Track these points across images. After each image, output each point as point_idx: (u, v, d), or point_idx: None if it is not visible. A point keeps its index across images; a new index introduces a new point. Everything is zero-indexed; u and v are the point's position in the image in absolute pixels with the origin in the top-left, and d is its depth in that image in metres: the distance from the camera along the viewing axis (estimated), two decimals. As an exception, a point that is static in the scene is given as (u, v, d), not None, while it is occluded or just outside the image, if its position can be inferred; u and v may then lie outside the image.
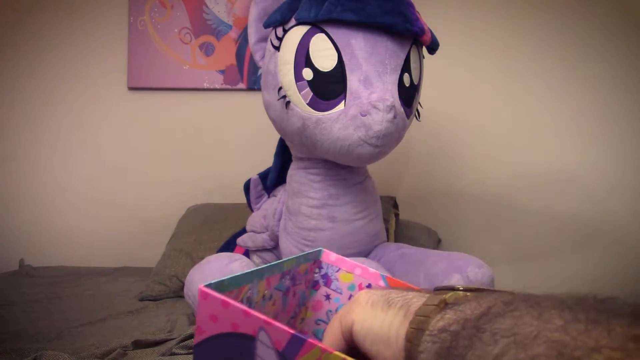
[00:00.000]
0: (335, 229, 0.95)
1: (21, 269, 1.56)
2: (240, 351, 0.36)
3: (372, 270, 0.56)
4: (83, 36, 1.79)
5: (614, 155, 1.58)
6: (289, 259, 0.54)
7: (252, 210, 1.20)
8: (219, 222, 1.48)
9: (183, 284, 1.16)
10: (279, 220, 1.06)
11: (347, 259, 0.59)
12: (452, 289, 0.29)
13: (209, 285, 0.39)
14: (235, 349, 0.36)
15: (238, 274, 0.45)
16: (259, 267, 0.48)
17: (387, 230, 1.27)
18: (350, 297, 0.58)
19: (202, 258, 1.05)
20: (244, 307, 0.35)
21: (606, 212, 1.57)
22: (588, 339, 0.20)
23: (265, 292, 0.50)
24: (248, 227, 1.15)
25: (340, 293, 0.58)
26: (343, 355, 0.29)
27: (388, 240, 1.16)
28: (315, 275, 0.60)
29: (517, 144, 1.63)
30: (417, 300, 0.31)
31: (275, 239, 1.08)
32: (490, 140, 1.65)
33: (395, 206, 1.49)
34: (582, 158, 1.59)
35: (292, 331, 0.32)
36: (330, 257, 0.59)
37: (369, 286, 0.56)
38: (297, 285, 0.56)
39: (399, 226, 1.47)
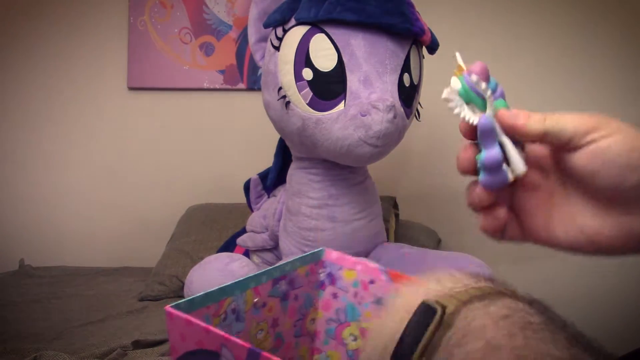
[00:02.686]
0: (335, 229, 0.95)
1: (21, 269, 1.56)
2: None
3: (372, 265, 0.56)
4: (83, 36, 1.79)
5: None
6: (280, 265, 0.54)
7: (252, 210, 1.20)
8: (219, 222, 1.48)
9: (183, 284, 1.16)
10: (279, 220, 1.06)
11: (347, 255, 0.58)
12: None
13: (177, 305, 0.41)
14: None
15: (213, 289, 0.45)
16: (241, 279, 0.48)
17: (387, 230, 1.27)
18: (355, 294, 0.57)
19: (202, 258, 1.05)
20: (204, 324, 0.36)
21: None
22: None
23: (256, 300, 0.51)
24: (248, 227, 1.15)
25: (346, 291, 0.58)
26: None
27: (388, 240, 1.16)
28: (320, 275, 0.60)
29: (517, 144, 1.63)
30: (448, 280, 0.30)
31: (275, 239, 1.08)
32: (490, 140, 1.65)
33: (395, 206, 1.48)
34: (582, 158, 1.59)
35: (247, 345, 0.33)
36: (331, 255, 0.59)
37: (372, 282, 0.56)
38: (297, 289, 0.57)
39: (399, 226, 1.47)
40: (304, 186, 0.97)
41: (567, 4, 1.60)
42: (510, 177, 0.34)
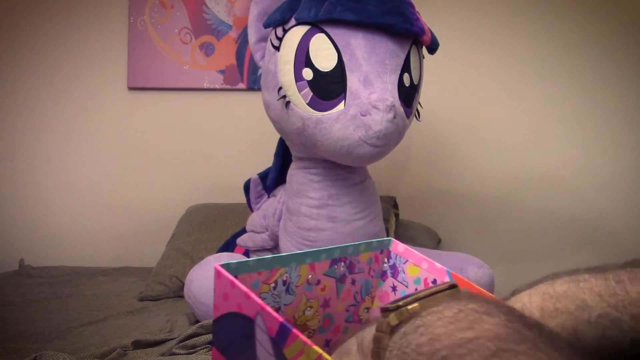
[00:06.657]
0: (335, 229, 0.95)
1: (21, 269, 1.56)
2: (244, 333, 0.37)
3: (438, 265, 0.54)
4: (83, 36, 1.79)
5: (613, 157, 1.58)
6: (342, 246, 0.53)
7: (252, 210, 1.20)
8: (219, 222, 1.48)
9: (183, 284, 1.16)
10: (279, 220, 1.06)
11: (415, 251, 0.57)
12: (397, 306, 0.32)
13: (227, 265, 0.41)
14: (240, 330, 0.37)
15: (268, 256, 0.46)
16: (298, 252, 0.49)
17: (387, 230, 1.27)
18: (415, 290, 0.56)
19: (202, 258, 1.05)
20: (245, 288, 0.36)
21: (604, 213, 1.57)
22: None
23: (310, 276, 0.50)
24: (248, 227, 1.15)
25: (407, 286, 0.57)
26: (321, 351, 0.30)
27: (388, 240, 1.16)
28: (384, 265, 0.59)
29: (517, 144, 1.63)
30: (368, 333, 0.34)
31: (275, 239, 1.08)
32: (490, 141, 1.65)
33: (395, 206, 1.49)
34: (582, 159, 1.59)
35: (280, 319, 0.33)
36: (398, 247, 0.58)
37: (434, 282, 0.54)
38: (356, 274, 0.56)
39: (399, 226, 1.47)
40: (304, 186, 0.97)
41: (567, 3, 1.60)
42: None
